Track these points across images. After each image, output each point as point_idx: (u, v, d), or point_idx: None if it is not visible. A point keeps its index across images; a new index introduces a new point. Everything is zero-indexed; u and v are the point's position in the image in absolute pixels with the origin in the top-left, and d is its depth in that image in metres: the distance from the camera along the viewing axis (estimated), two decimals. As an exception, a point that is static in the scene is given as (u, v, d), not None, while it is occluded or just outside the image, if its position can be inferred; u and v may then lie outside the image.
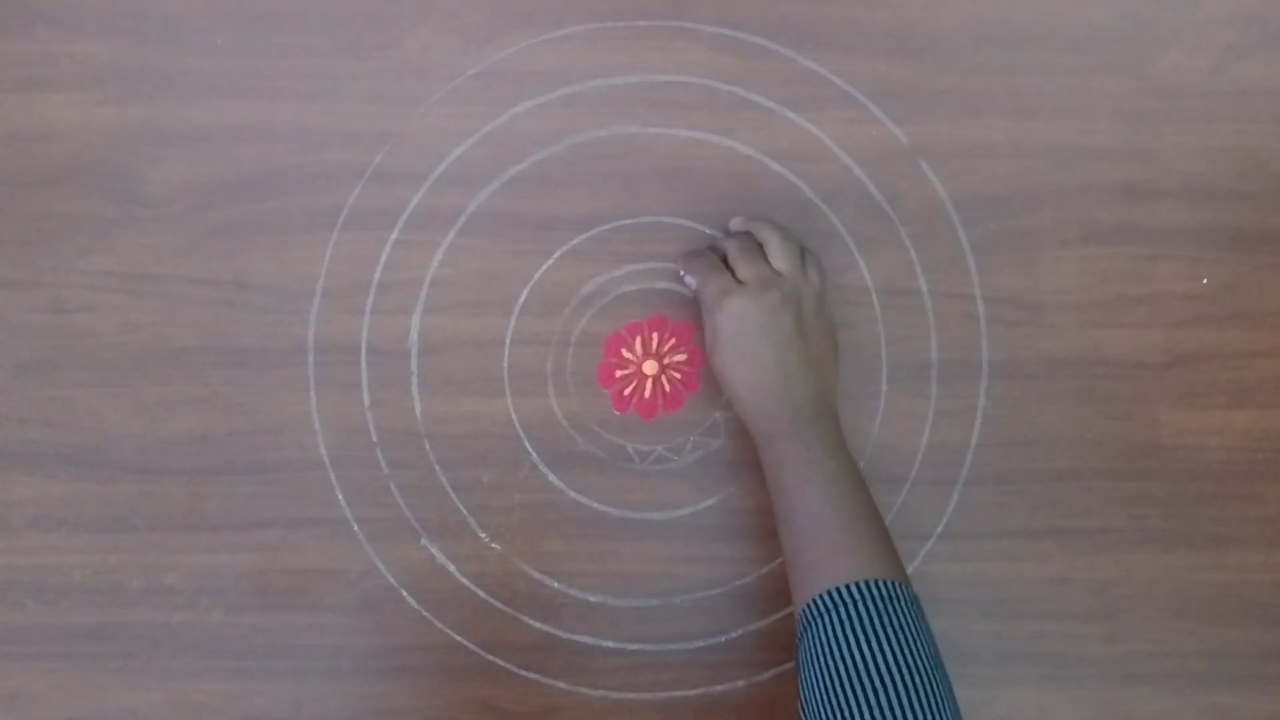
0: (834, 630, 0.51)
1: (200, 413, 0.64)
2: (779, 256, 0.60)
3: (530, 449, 0.64)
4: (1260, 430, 0.65)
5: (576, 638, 0.63)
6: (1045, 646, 0.63)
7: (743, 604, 0.63)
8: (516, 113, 0.66)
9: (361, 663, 0.63)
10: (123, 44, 0.65)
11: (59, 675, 0.62)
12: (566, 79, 0.66)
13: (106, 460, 0.63)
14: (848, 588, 0.52)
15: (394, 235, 0.65)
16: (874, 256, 0.66)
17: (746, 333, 0.58)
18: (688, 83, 0.66)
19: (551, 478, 0.64)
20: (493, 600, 0.63)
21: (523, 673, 0.63)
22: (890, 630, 0.51)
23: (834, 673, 0.50)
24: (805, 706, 0.52)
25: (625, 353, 0.65)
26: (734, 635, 0.63)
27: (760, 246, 0.61)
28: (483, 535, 0.64)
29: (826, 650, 0.51)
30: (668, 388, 0.65)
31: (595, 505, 0.64)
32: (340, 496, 0.63)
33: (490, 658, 0.63)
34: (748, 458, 0.63)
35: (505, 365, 0.65)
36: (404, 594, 0.63)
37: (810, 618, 0.53)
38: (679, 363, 0.65)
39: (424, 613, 0.63)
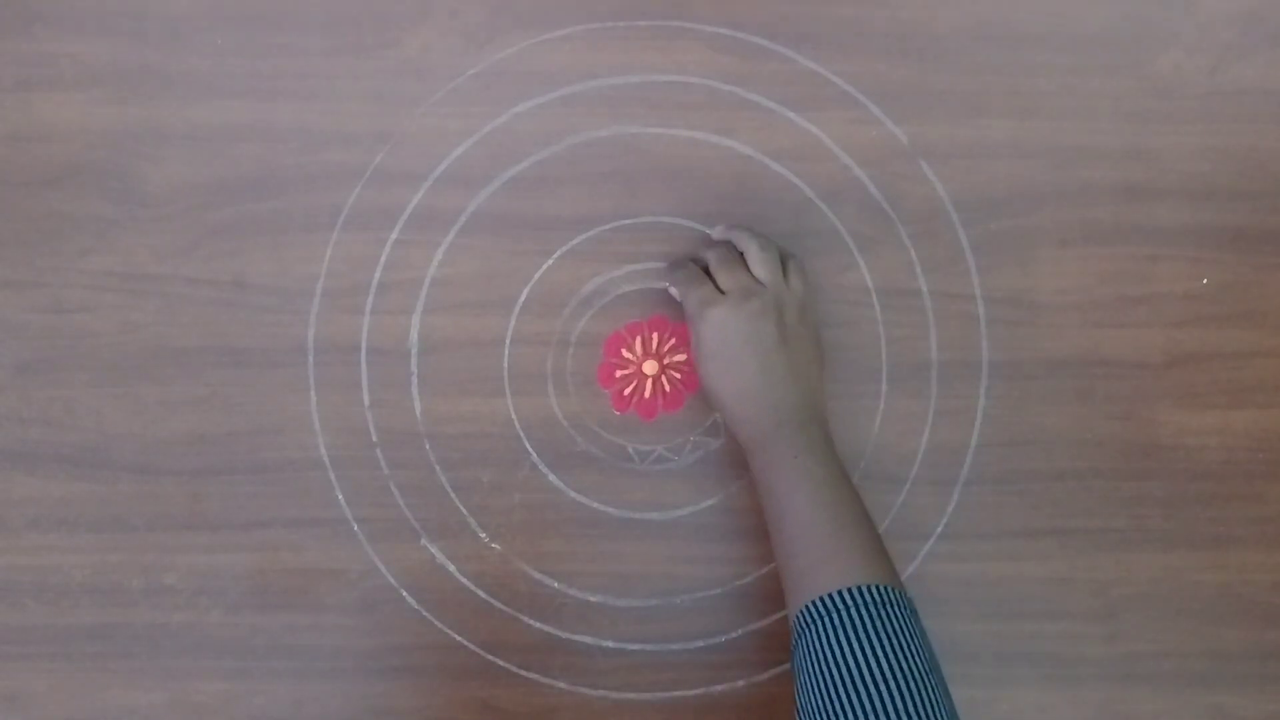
0: (827, 636, 0.51)
1: (200, 413, 0.64)
2: (759, 265, 0.60)
3: (530, 449, 0.64)
4: (1260, 430, 0.65)
5: (576, 638, 0.63)
6: (1045, 646, 0.64)
7: (743, 604, 0.63)
8: (516, 113, 0.66)
9: (361, 663, 0.63)
10: (123, 44, 0.65)
11: (59, 675, 0.62)
12: (566, 79, 0.66)
13: (106, 460, 0.63)
14: (840, 594, 0.52)
15: (394, 235, 0.65)
16: (874, 256, 0.66)
17: (729, 342, 0.58)
18: (688, 83, 0.66)
19: (551, 478, 0.64)
20: (493, 600, 0.63)
21: (523, 673, 0.63)
22: (884, 635, 0.51)
23: (829, 679, 0.50)
24: (801, 713, 0.52)
25: (625, 353, 0.65)
26: (734, 635, 0.63)
27: (741, 255, 0.61)
28: (483, 535, 0.64)
29: (821, 656, 0.51)
30: (668, 388, 0.65)
31: (595, 505, 0.64)
32: (340, 496, 0.63)
33: (490, 658, 0.63)
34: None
35: (505, 365, 0.65)
36: (404, 594, 0.63)
37: (804, 624, 0.53)
38: (679, 363, 0.65)
39: (424, 613, 0.63)
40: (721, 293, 0.59)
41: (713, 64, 0.66)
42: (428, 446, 0.64)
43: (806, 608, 0.53)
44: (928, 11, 0.66)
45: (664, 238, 0.65)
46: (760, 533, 0.63)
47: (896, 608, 0.52)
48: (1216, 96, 0.67)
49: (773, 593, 0.63)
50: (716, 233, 0.64)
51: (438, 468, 0.64)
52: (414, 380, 0.64)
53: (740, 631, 0.63)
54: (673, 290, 0.62)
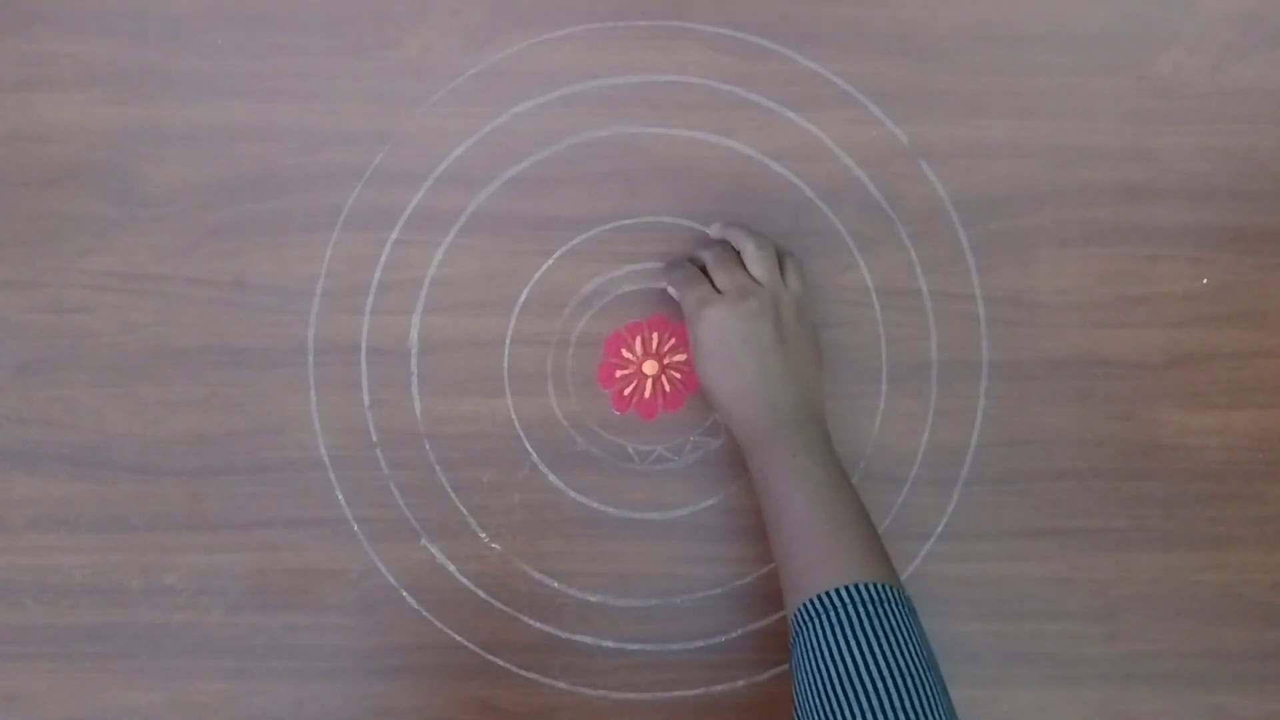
0: (825, 634, 0.51)
1: (200, 413, 0.64)
2: (756, 264, 0.60)
3: (530, 449, 0.64)
4: (1260, 430, 0.65)
5: (576, 638, 0.63)
6: (1045, 646, 0.64)
7: (743, 604, 0.63)
8: (516, 113, 0.66)
9: (361, 663, 0.63)
10: (123, 44, 0.65)
11: (59, 675, 0.62)
12: (566, 79, 0.66)
13: (106, 460, 0.63)
14: (838, 591, 0.52)
15: (394, 235, 0.65)
16: (874, 256, 0.66)
17: (727, 342, 0.58)
18: (688, 83, 0.66)
19: (551, 478, 0.64)
20: (493, 600, 0.63)
21: (523, 673, 0.63)
22: (882, 633, 0.51)
23: (826, 676, 0.50)
24: (799, 710, 0.52)
25: (625, 353, 0.65)
26: (734, 635, 0.63)
27: (739, 254, 0.61)
28: (483, 535, 0.64)
29: (818, 654, 0.51)
30: (668, 388, 0.65)
31: (595, 505, 0.64)
32: (340, 496, 0.63)
33: (490, 658, 0.63)
34: (748, 458, 0.63)
35: (505, 365, 0.65)
36: (404, 594, 0.63)
37: (801, 622, 0.53)
38: (679, 363, 0.65)
39: (424, 613, 0.63)
40: (719, 292, 0.59)
41: (713, 64, 0.66)
42: (428, 446, 0.64)
43: (804, 605, 0.53)
44: (928, 11, 0.66)
45: (664, 238, 0.65)
46: (760, 533, 0.63)
47: (894, 606, 0.52)
48: (1216, 96, 0.67)
49: (772, 593, 0.63)
50: (714, 231, 0.64)
51: (438, 468, 0.64)
52: (414, 380, 0.64)
53: (740, 631, 0.63)
54: (671, 290, 0.63)
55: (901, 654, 0.50)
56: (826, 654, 0.51)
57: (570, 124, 0.66)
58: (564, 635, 0.63)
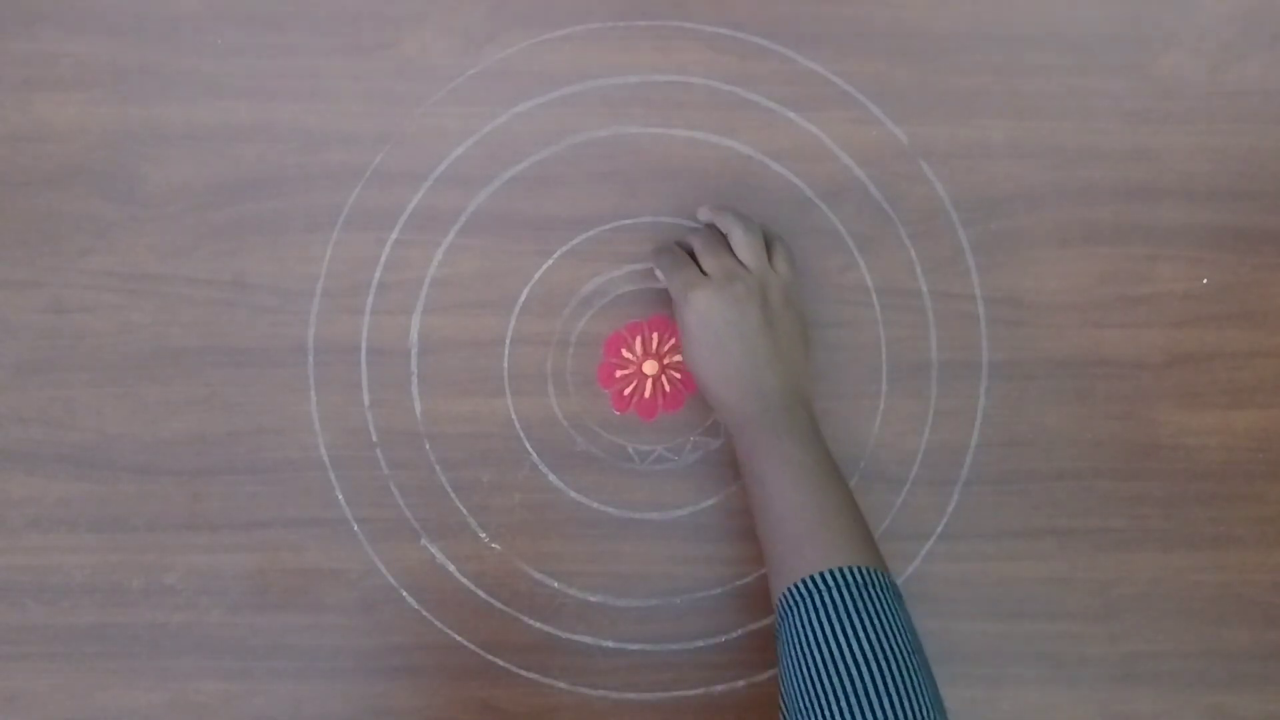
0: (809, 617, 0.51)
1: (200, 413, 0.64)
2: (743, 248, 0.59)
3: (530, 449, 0.64)
4: (1260, 430, 0.65)
5: (576, 638, 0.63)
6: (1045, 646, 0.64)
7: (743, 604, 0.63)
8: (516, 113, 0.66)
9: (361, 663, 0.63)
10: (123, 44, 0.65)
11: (59, 675, 0.62)
12: (566, 79, 0.66)
13: (106, 460, 0.63)
14: (822, 575, 0.52)
15: (394, 235, 0.65)
16: (874, 256, 0.66)
17: (712, 325, 0.58)
18: (687, 83, 0.66)
19: (551, 478, 0.64)
20: (493, 600, 0.63)
21: (523, 673, 0.63)
22: (866, 616, 0.51)
23: (811, 659, 0.50)
24: (785, 696, 0.52)
25: (625, 353, 0.65)
26: (734, 635, 0.63)
27: (726, 239, 0.61)
28: (483, 535, 0.64)
29: (802, 637, 0.51)
30: (668, 388, 0.65)
31: (595, 505, 0.64)
32: (340, 496, 0.63)
33: (490, 658, 0.63)
34: (748, 458, 0.63)
35: (505, 365, 0.65)
36: (404, 594, 0.63)
37: (787, 606, 0.53)
38: (679, 363, 0.65)
39: (424, 613, 0.63)
40: (706, 276, 0.59)
41: (713, 64, 0.66)
42: (428, 446, 0.64)
43: (789, 589, 0.53)
44: (928, 12, 0.66)
45: (664, 238, 0.65)
46: (760, 533, 0.63)
47: (879, 589, 0.52)
48: (1216, 96, 0.67)
49: (773, 593, 0.63)
50: (703, 214, 0.63)
51: (438, 468, 0.64)
52: (414, 380, 0.64)
53: (740, 631, 0.63)
54: (658, 273, 0.62)
55: (885, 637, 0.50)
56: (811, 638, 0.51)
57: (570, 124, 0.66)
58: (564, 635, 0.63)
